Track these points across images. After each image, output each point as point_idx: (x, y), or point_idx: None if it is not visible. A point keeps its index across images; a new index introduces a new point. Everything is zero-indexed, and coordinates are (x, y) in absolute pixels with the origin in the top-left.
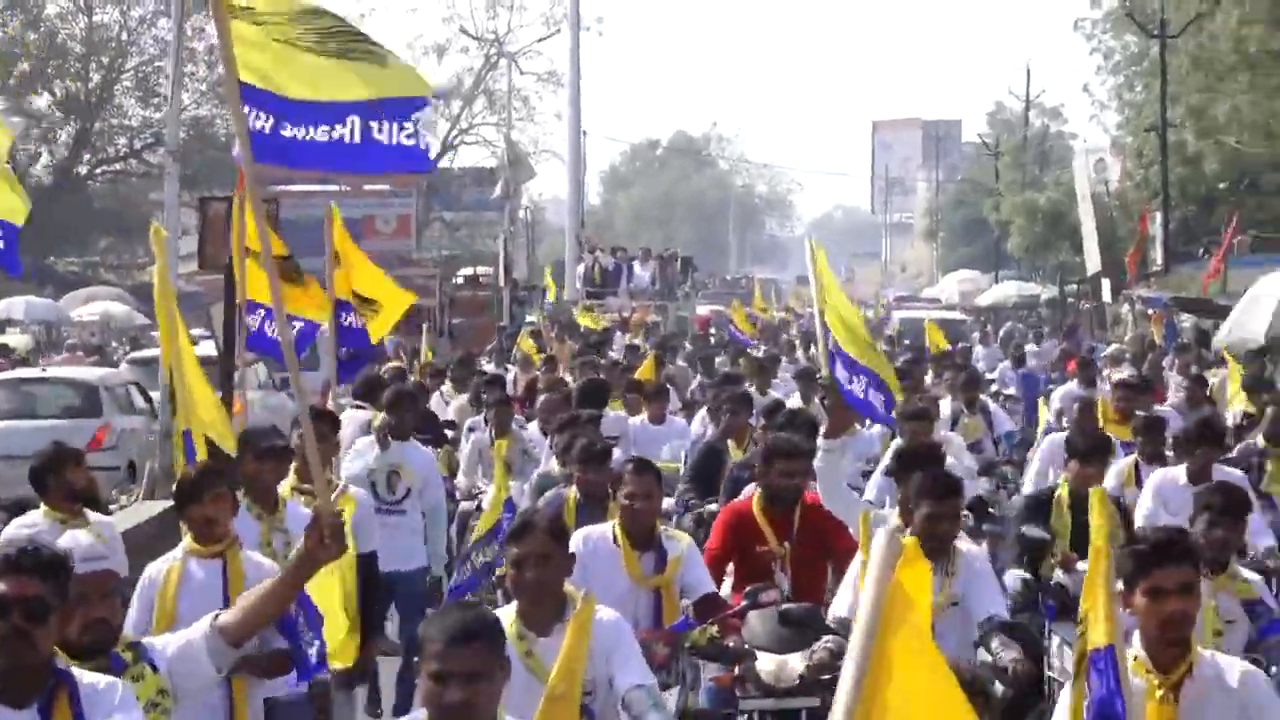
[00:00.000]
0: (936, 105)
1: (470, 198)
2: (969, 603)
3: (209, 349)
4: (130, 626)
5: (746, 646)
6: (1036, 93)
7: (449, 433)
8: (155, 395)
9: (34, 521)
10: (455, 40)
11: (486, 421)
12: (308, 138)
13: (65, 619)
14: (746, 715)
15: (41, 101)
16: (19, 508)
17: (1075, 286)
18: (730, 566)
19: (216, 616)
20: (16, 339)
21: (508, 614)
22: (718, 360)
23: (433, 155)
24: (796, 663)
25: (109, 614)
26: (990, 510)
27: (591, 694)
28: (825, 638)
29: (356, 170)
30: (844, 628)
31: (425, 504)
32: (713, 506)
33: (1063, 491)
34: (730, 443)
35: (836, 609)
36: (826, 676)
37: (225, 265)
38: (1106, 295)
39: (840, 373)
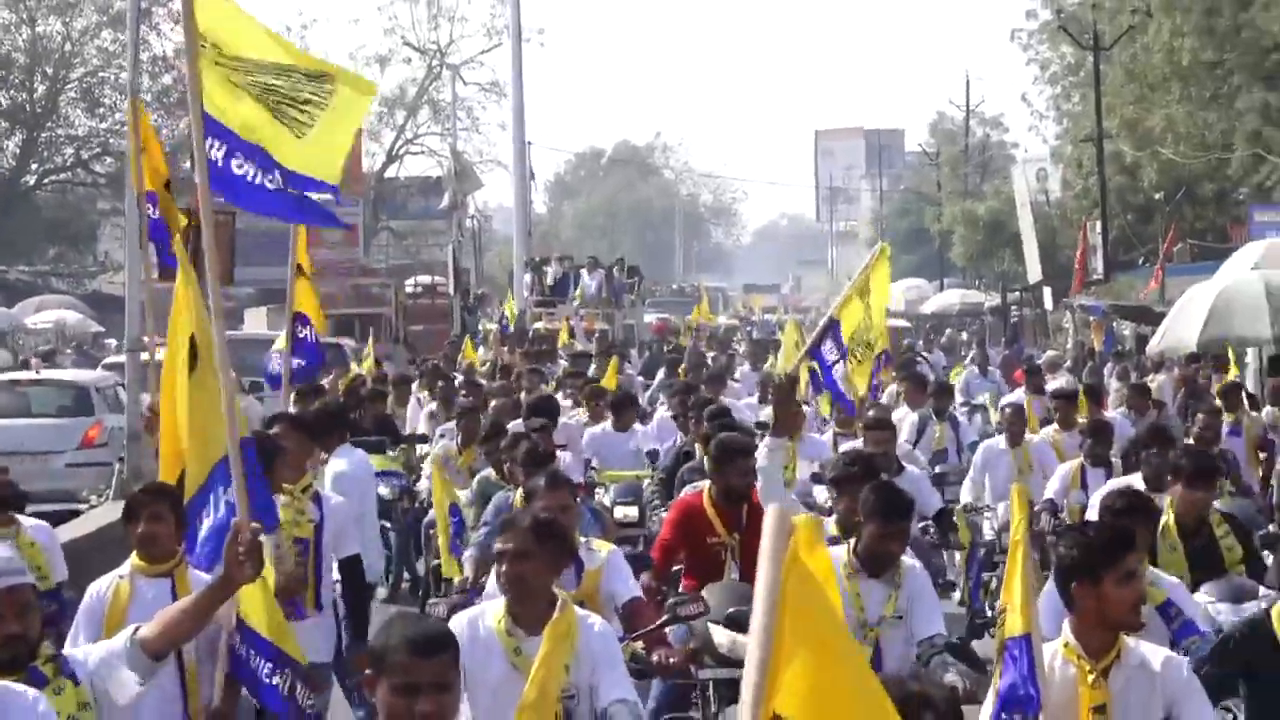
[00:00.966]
0: (879, 114)
1: (416, 207)
2: (911, 619)
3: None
4: (74, 642)
5: (671, 661)
6: (976, 102)
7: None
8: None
9: None
10: (398, 51)
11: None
12: (252, 179)
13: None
14: (700, 687)
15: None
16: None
17: (1018, 294)
18: (682, 556)
19: (137, 629)
20: None
21: (495, 609)
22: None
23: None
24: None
25: (24, 629)
26: (954, 521)
27: (574, 698)
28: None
29: (288, 218)
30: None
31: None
32: (663, 512)
33: (1169, 519)
34: (699, 448)
35: None
36: None
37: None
38: (1048, 303)
39: (829, 354)
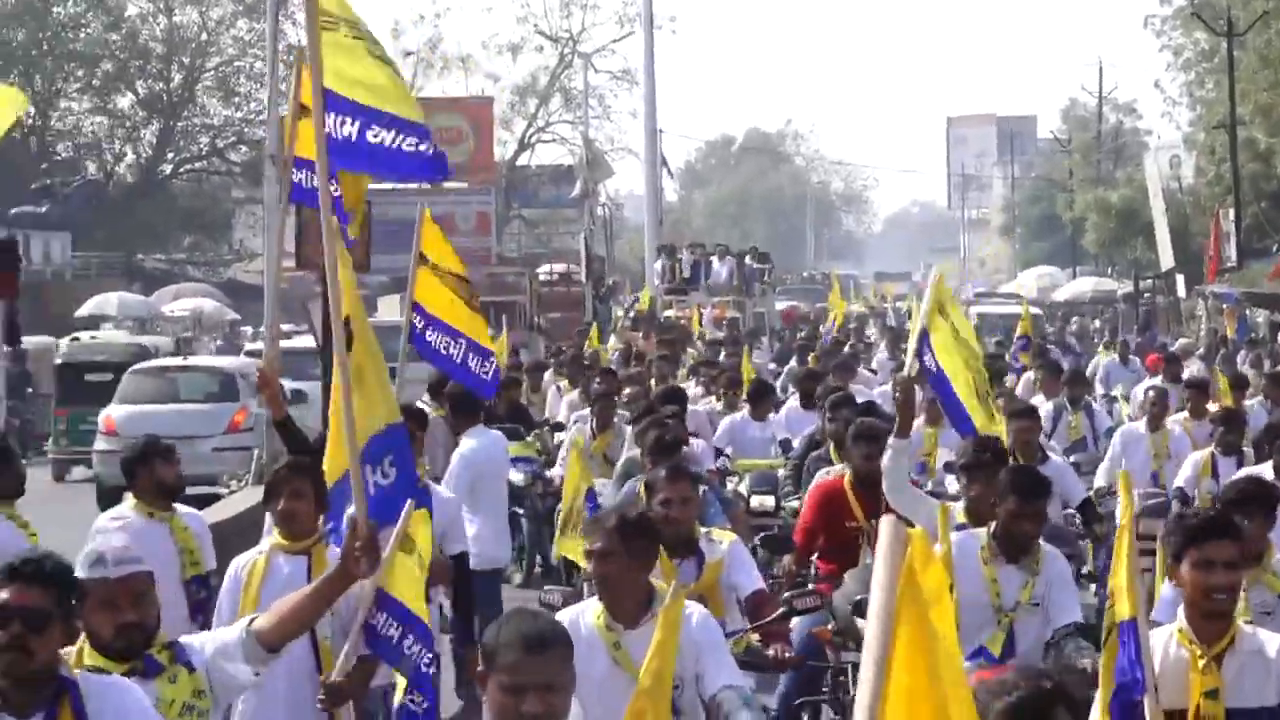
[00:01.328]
0: (1011, 101)
1: (547, 195)
2: (1049, 606)
3: (306, 342)
4: (220, 619)
5: (788, 655)
6: (1109, 89)
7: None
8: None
9: (123, 514)
10: (530, 39)
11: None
12: (392, 144)
13: (69, 628)
14: (835, 671)
15: (124, 101)
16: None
17: (1150, 282)
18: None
19: (252, 620)
20: (112, 334)
21: (595, 606)
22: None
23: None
24: None
25: (140, 617)
26: (1099, 511)
27: (679, 689)
28: None
29: (427, 177)
30: None
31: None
32: (794, 504)
33: None
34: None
35: None
36: None
37: (320, 265)
38: (1181, 290)
39: (930, 364)
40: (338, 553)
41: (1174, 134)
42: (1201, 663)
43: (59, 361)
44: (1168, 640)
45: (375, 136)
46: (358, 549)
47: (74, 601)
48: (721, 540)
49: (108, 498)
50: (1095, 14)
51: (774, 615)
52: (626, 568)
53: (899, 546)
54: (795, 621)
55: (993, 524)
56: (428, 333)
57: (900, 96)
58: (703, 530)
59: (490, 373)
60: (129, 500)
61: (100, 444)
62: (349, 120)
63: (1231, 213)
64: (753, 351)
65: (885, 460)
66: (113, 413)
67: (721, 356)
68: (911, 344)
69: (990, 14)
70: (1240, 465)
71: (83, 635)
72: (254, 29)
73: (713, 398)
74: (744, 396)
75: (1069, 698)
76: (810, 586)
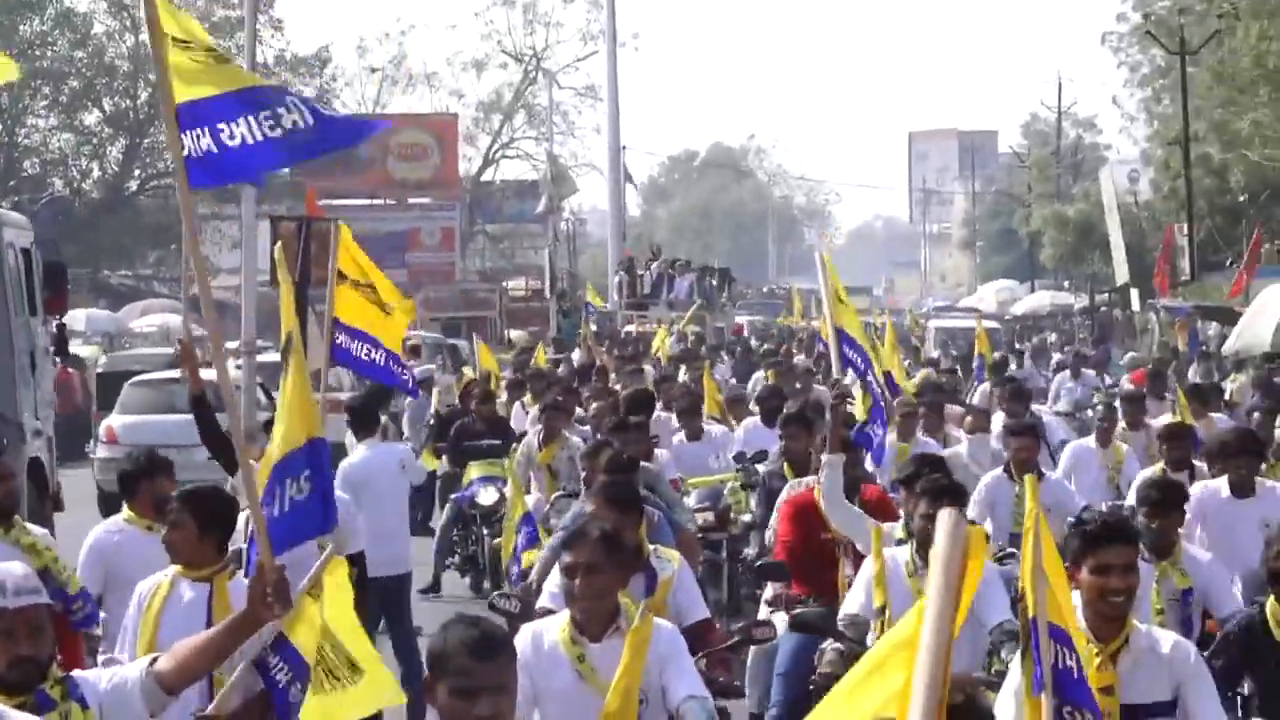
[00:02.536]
0: (972, 116)
1: (512, 210)
2: (979, 610)
3: (275, 357)
4: (124, 642)
5: (736, 684)
6: (1069, 104)
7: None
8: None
9: (120, 526)
10: (494, 56)
11: None
12: (252, 139)
13: None
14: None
15: (91, 118)
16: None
17: (1106, 295)
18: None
19: (154, 661)
20: (87, 350)
21: (558, 622)
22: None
23: (472, 170)
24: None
25: (34, 651)
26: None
27: (644, 703)
28: (831, 642)
29: (314, 153)
30: (855, 626)
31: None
32: (745, 517)
33: None
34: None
35: (849, 606)
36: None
37: (294, 283)
38: (1135, 304)
39: (857, 361)
40: (241, 582)
41: (1133, 149)
42: (1097, 660)
43: (100, 370)
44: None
45: (231, 138)
46: (267, 592)
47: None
48: (671, 560)
49: (108, 504)
50: (1055, 30)
51: (728, 644)
52: (609, 580)
53: (959, 537)
54: (788, 643)
55: (914, 540)
56: (351, 345)
57: (862, 111)
58: (651, 547)
59: (409, 375)
60: (124, 513)
61: (101, 452)
62: (203, 132)
63: (1186, 227)
64: (714, 366)
65: (821, 477)
66: (113, 422)
67: (683, 374)
68: (833, 344)
69: (951, 29)
70: (1192, 480)
71: None
72: (222, 46)
73: (671, 415)
74: (707, 410)
75: (979, 711)
76: (763, 617)
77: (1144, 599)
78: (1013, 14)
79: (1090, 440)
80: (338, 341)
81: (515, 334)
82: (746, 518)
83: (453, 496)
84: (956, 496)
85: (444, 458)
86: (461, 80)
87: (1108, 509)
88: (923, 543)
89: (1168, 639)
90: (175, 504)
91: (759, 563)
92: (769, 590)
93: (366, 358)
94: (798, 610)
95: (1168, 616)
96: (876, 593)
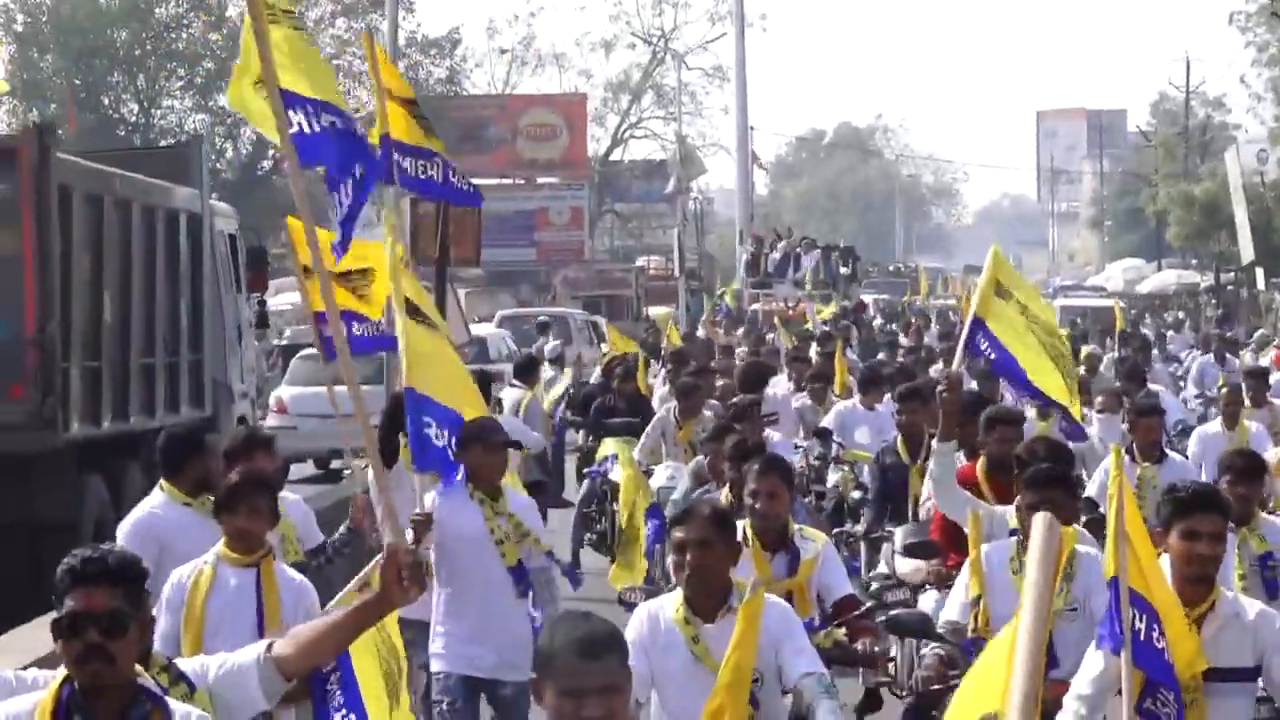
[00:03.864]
0: (1101, 94)
1: (640, 190)
2: (1092, 607)
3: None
4: (158, 632)
5: (876, 649)
6: (1197, 83)
7: None
8: None
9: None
10: (623, 37)
11: None
12: (335, 127)
13: (145, 630)
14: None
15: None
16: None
17: (1232, 274)
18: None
19: (270, 646)
20: None
21: (674, 600)
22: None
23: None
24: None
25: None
26: None
27: (759, 681)
28: (932, 644)
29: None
30: (955, 632)
31: None
32: (855, 494)
33: None
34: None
35: (948, 612)
36: (936, 688)
37: (435, 259)
38: (1260, 284)
39: (985, 349)
40: (284, 568)
41: (1261, 129)
42: (1184, 623)
43: (284, 343)
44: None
45: (326, 122)
46: (401, 574)
47: (147, 598)
48: (815, 539)
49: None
50: (1184, 8)
51: (865, 608)
52: (720, 558)
53: (1054, 540)
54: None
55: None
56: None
57: (990, 90)
58: (796, 527)
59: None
60: (163, 489)
61: (272, 421)
62: (307, 112)
63: None
64: (846, 346)
65: (931, 464)
66: (282, 393)
67: (814, 350)
68: (963, 335)
69: (1079, 7)
70: None
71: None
72: (352, 28)
73: (804, 393)
74: (836, 390)
75: None
76: (896, 581)
77: (1227, 566)
78: None
79: (1216, 424)
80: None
81: (654, 311)
82: (856, 494)
83: (587, 471)
84: (1065, 485)
85: (581, 433)
86: (590, 61)
87: None
88: (1024, 535)
89: (1253, 607)
90: (252, 490)
91: (909, 542)
92: (903, 565)
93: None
94: (894, 612)
95: (1250, 581)
96: (972, 582)
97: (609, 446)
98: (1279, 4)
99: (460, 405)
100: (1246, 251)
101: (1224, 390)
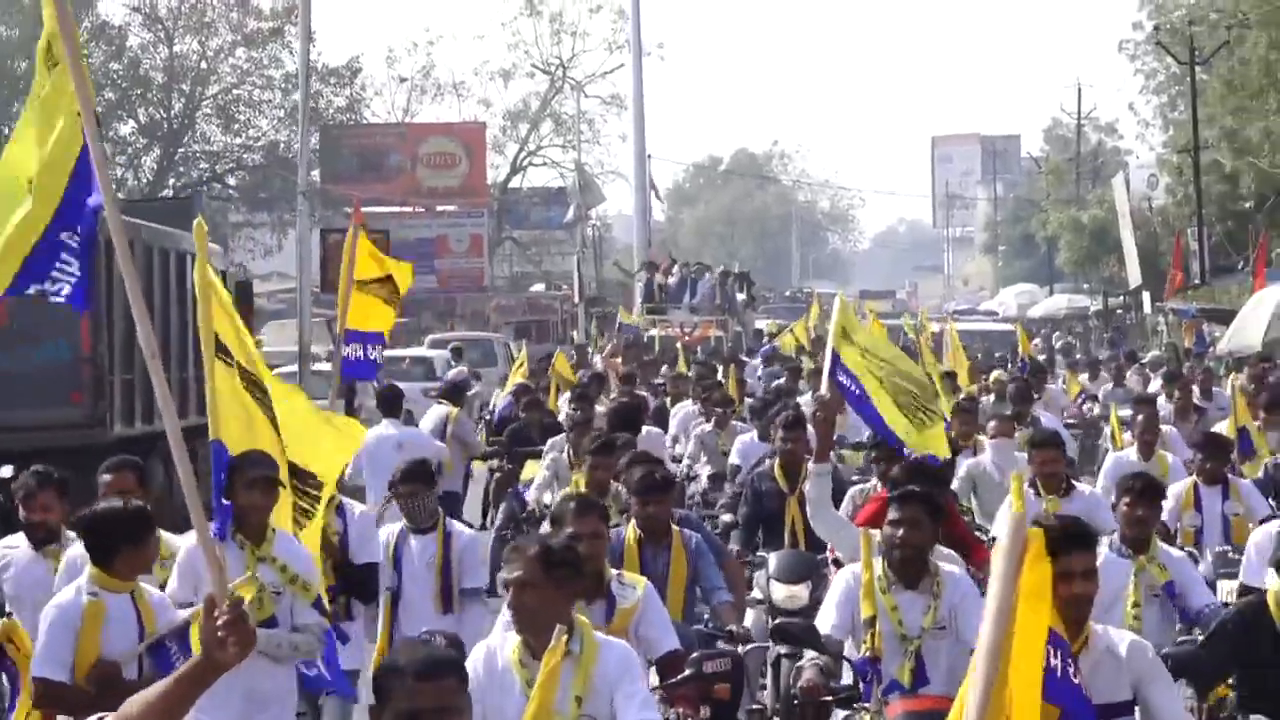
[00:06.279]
0: (995, 120)
1: (539, 217)
2: (959, 625)
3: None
4: (50, 660)
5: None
6: (1089, 109)
7: None
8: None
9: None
10: (521, 66)
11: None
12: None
13: None
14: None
15: (126, 128)
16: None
17: (1121, 298)
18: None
19: None
20: None
21: (511, 640)
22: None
23: (499, 177)
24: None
25: None
26: None
27: None
28: (812, 655)
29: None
30: (831, 644)
31: None
32: (725, 517)
33: None
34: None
35: (822, 625)
36: (823, 698)
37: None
38: (1147, 307)
39: (849, 385)
40: (150, 589)
41: (1151, 155)
42: None
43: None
44: None
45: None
46: (221, 630)
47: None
48: (635, 585)
49: None
50: (1076, 35)
51: (682, 677)
52: (547, 599)
53: (1019, 544)
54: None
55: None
56: (360, 353)
57: (885, 116)
58: (614, 572)
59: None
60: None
61: None
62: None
63: (1197, 232)
64: (742, 370)
65: (807, 486)
66: None
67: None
68: (826, 365)
69: (973, 34)
70: (1227, 497)
71: None
72: (251, 58)
73: (708, 419)
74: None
75: None
76: (715, 652)
77: (1119, 594)
78: (1033, 19)
79: (1132, 452)
80: (348, 355)
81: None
82: (727, 518)
83: (510, 491)
84: (925, 502)
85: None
86: (489, 89)
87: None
88: (890, 549)
89: (1124, 639)
90: (147, 518)
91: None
92: (778, 591)
93: (368, 358)
94: (779, 620)
95: (1151, 610)
96: (864, 604)
97: (531, 469)
98: (1164, 33)
99: (241, 443)
100: (1134, 275)
101: (1139, 419)
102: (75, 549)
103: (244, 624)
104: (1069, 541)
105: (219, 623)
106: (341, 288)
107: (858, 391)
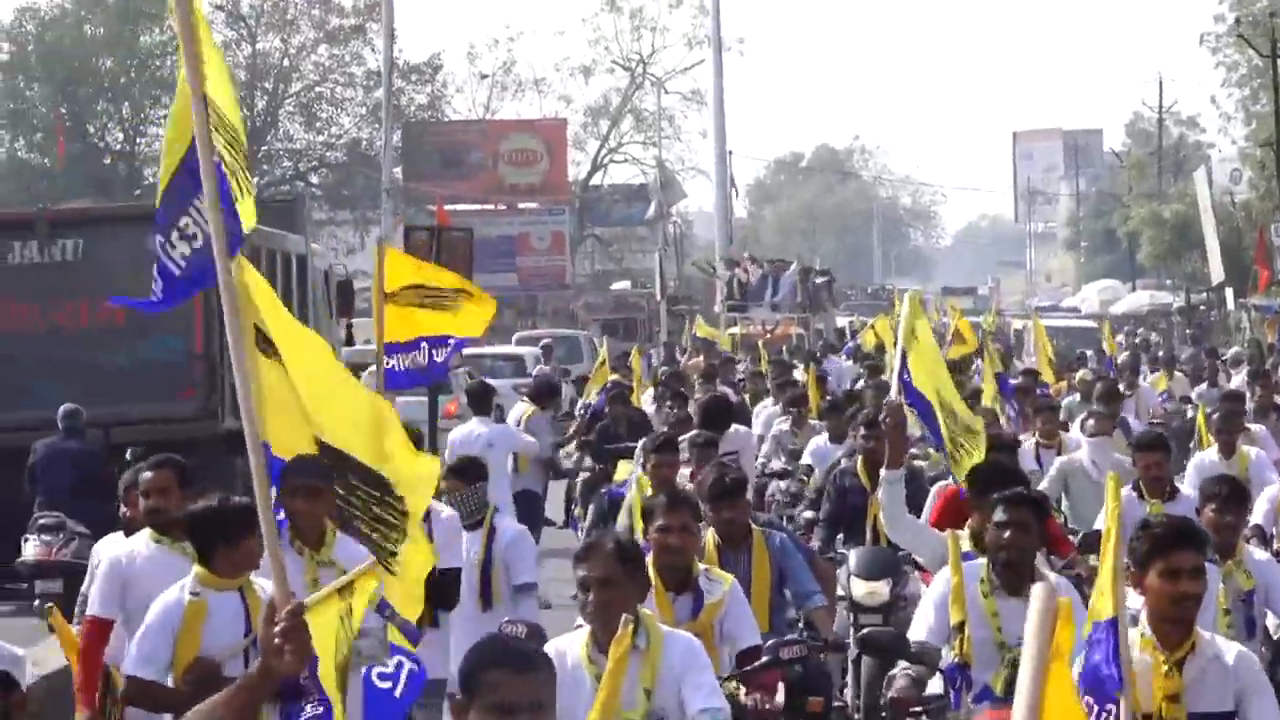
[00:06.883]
0: (1077, 115)
1: (620, 214)
2: None
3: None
4: (142, 659)
5: (767, 707)
6: (1170, 103)
7: None
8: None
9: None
10: (602, 62)
11: None
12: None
13: None
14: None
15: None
16: None
17: (1204, 295)
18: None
19: None
20: None
21: (580, 637)
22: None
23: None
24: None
25: None
26: None
27: (662, 719)
28: (904, 664)
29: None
30: (925, 653)
31: None
32: (806, 514)
33: None
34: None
35: (915, 632)
36: (916, 709)
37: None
38: (1230, 304)
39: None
40: (262, 583)
41: (1233, 149)
42: (1165, 668)
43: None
44: (1132, 644)
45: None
46: (278, 637)
47: None
48: (722, 581)
49: None
50: (1158, 29)
51: (758, 664)
52: (624, 596)
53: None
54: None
55: (990, 555)
56: (404, 362)
57: (967, 112)
58: (702, 567)
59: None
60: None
61: None
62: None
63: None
64: (820, 367)
65: (880, 494)
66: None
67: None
68: (894, 365)
69: (1055, 29)
70: None
71: None
72: (334, 55)
73: (787, 418)
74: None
75: None
76: (793, 639)
77: (1210, 601)
78: (1114, 12)
79: (1213, 453)
80: (390, 366)
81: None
82: (809, 514)
83: (603, 491)
84: (1036, 506)
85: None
86: (570, 86)
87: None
88: (995, 552)
89: (1232, 649)
90: (246, 516)
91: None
92: (858, 588)
93: (416, 365)
94: (866, 630)
95: (1233, 618)
96: (953, 609)
97: (625, 470)
98: (1245, 25)
99: (289, 445)
100: (1216, 271)
101: (1217, 416)
102: None
103: (302, 632)
104: (1177, 538)
105: (277, 630)
106: (375, 303)
107: (917, 392)
